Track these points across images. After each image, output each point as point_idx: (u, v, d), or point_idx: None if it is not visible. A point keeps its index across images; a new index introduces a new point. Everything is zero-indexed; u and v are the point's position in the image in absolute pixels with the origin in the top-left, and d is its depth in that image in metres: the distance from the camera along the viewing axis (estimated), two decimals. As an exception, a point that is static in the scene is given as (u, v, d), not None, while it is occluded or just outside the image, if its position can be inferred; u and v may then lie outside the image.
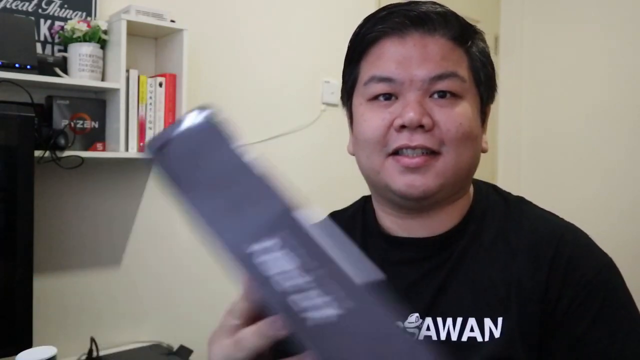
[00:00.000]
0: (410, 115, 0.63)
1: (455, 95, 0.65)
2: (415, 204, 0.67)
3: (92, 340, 1.62)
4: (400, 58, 0.65)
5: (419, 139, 0.63)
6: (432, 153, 0.64)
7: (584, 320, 0.62)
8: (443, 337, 0.65)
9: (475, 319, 0.64)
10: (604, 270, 0.65)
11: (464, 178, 0.68)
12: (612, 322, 0.62)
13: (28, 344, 1.26)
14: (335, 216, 0.81)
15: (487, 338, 0.63)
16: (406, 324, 0.66)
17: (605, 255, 0.67)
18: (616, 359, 0.61)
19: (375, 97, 0.67)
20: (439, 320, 0.66)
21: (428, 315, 0.66)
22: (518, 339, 0.62)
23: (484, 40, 0.71)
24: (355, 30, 0.71)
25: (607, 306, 0.63)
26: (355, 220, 0.78)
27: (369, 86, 0.68)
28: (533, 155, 2.94)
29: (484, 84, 0.70)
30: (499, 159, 3.06)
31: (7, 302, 1.30)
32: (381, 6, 2.46)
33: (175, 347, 1.77)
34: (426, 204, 0.67)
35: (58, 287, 1.66)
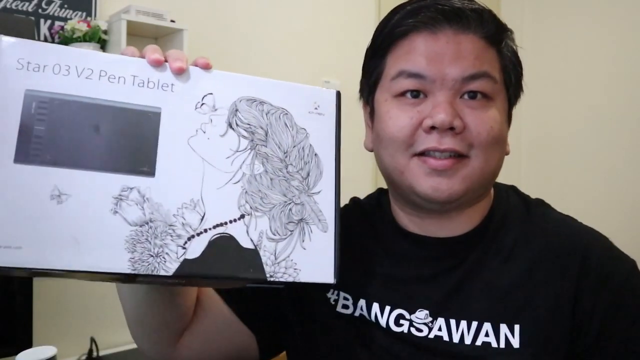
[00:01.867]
0: (442, 116, 0.60)
1: (486, 97, 0.63)
2: (439, 207, 0.65)
3: (92, 340, 1.62)
4: (432, 54, 0.62)
5: (448, 142, 0.61)
6: (460, 156, 0.62)
7: (618, 334, 0.61)
8: (456, 339, 0.63)
9: (491, 324, 0.62)
10: (631, 274, 0.64)
11: (489, 181, 0.66)
12: None
13: (28, 344, 1.26)
14: (356, 202, 0.81)
15: (502, 344, 0.61)
16: (413, 317, 0.65)
17: (628, 257, 0.66)
18: None
19: (403, 94, 0.64)
20: (452, 321, 0.64)
21: (441, 316, 0.65)
22: (542, 350, 0.61)
23: (514, 40, 0.68)
24: (382, 22, 0.67)
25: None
26: (371, 212, 0.77)
27: (397, 81, 0.64)
28: (533, 156, 2.94)
29: (514, 85, 0.68)
30: (499, 159, 3.06)
31: (7, 302, 1.30)
32: (381, 7, 2.45)
33: (175, 347, 1.77)
34: (449, 207, 0.66)
35: (58, 287, 1.66)
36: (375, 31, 0.68)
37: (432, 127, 0.61)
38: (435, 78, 0.62)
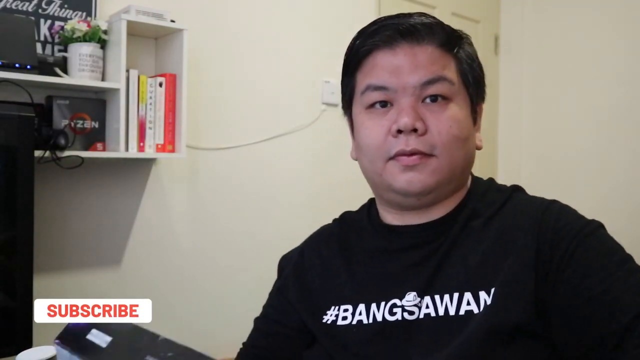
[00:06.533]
0: (405, 120, 0.69)
1: (445, 98, 0.71)
2: (415, 201, 0.74)
3: (92, 340, 1.62)
4: (392, 67, 0.71)
5: (413, 143, 0.69)
6: (426, 155, 0.70)
7: (578, 271, 0.64)
8: (441, 312, 0.68)
9: (471, 292, 0.68)
10: (590, 224, 0.69)
11: (458, 175, 0.74)
12: (606, 267, 0.64)
13: (28, 344, 1.26)
14: (346, 214, 0.89)
15: (482, 309, 0.66)
16: (404, 302, 0.71)
17: (592, 220, 0.70)
18: (614, 302, 0.62)
19: (372, 105, 0.73)
20: (437, 297, 0.70)
21: (427, 294, 0.70)
22: (510, 305, 0.65)
23: (471, 44, 0.77)
24: (350, 44, 0.76)
25: (598, 254, 0.65)
26: (361, 218, 0.85)
27: (366, 95, 0.73)
28: (533, 155, 2.94)
29: (473, 85, 0.75)
30: (499, 158, 3.06)
31: (7, 302, 1.30)
32: (381, 7, 2.46)
33: (175, 347, 1.77)
34: (425, 200, 0.74)
35: (58, 287, 1.66)
36: (345, 52, 0.77)
37: (399, 131, 0.70)
38: (397, 88, 0.71)
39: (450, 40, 0.73)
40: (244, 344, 0.86)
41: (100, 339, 0.57)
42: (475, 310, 0.66)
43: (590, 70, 2.72)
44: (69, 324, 0.59)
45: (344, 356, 0.72)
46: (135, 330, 0.57)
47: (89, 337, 0.57)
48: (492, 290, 0.66)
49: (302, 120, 2.23)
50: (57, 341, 0.59)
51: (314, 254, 0.84)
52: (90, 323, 0.59)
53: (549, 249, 0.66)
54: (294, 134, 2.21)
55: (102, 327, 0.58)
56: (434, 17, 0.74)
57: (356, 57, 0.75)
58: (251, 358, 0.83)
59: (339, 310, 0.76)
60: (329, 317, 0.76)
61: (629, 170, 2.59)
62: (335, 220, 0.89)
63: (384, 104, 0.72)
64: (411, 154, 0.70)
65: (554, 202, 0.73)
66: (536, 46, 2.93)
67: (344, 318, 0.75)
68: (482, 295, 0.67)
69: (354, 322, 0.73)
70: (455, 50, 0.73)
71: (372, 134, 0.73)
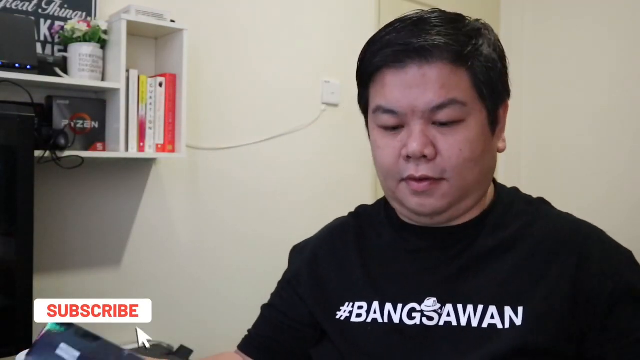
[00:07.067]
0: (414, 146, 0.68)
1: (457, 121, 0.68)
2: (429, 220, 0.74)
3: (92, 340, 1.62)
4: (401, 88, 0.69)
5: (422, 170, 0.69)
6: (436, 179, 0.69)
7: (625, 315, 0.66)
8: (463, 323, 0.68)
9: (496, 307, 0.67)
10: (630, 261, 0.70)
11: (472, 193, 0.73)
12: None
13: (28, 344, 1.25)
14: (362, 208, 0.88)
15: (507, 325, 0.66)
16: (423, 307, 0.71)
17: (626, 249, 0.72)
18: None
19: (384, 126, 0.72)
20: (459, 306, 0.69)
21: (449, 302, 0.70)
22: (542, 328, 0.65)
23: (490, 43, 0.71)
24: (361, 54, 0.74)
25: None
26: (378, 213, 0.84)
27: (377, 115, 0.72)
28: (533, 157, 2.94)
29: (490, 97, 0.71)
30: (499, 160, 3.05)
31: (7, 302, 1.30)
32: (381, 7, 2.43)
33: (175, 347, 1.77)
34: (439, 219, 0.73)
35: (58, 287, 1.66)
36: (358, 59, 0.74)
37: (409, 156, 0.69)
38: (407, 111, 0.69)
39: (462, 55, 0.68)
40: (249, 330, 0.86)
41: (68, 354, 0.60)
42: (499, 325, 0.66)
43: (590, 70, 2.72)
44: (38, 339, 0.62)
45: (355, 354, 0.72)
46: (102, 345, 0.61)
47: (58, 352, 0.61)
48: (521, 309, 0.66)
49: (302, 120, 2.23)
50: (27, 356, 0.62)
51: (328, 247, 0.83)
52: (59, 338, 0.63)
53: (595, 280, 0.67)
54: (294, 134, 2.21)
55: (71, 342, 0.61)
56: (451, 20, 0.69)
57: (367, 71, 0.73)
58: (256, 347, 0.83)
59: (353, 306, 0.75)
60: (342, 313, 0.76)
61: (628, 170, 2.59)
62: (350, 214, 0.88)
63: (395, 125, 0.71)
64: (421, 179, 0.69)
65: (589, 227, 0.73)
66: (536, 46, 2.93)
67: (359, 315, 0.74)
68: (508, 310, 0.67)
69: (369, 320, 0.73)
70: (469, 64, 0.68)
71: (384, 155, 0.72)
